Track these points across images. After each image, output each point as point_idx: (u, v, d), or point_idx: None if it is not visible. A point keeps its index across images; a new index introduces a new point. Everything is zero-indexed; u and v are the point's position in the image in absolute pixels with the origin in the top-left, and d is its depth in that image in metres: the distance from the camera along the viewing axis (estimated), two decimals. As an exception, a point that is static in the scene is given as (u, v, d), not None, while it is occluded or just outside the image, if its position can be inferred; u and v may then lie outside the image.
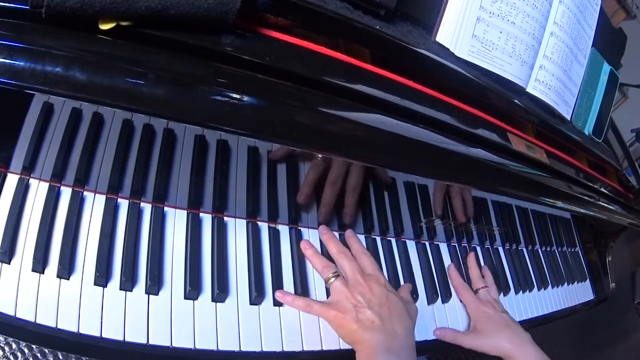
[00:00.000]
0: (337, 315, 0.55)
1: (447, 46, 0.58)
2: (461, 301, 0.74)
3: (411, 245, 0.73)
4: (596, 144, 0.84)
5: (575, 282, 1.04)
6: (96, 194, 0.52)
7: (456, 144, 0.55)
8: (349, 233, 0.66)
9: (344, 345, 0.57)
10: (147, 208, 0.54)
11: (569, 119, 0.76)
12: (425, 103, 0.54)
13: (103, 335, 0.45)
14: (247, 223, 0.59)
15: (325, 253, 0.63)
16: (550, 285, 0.94)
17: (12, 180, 0.48)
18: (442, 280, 0.73)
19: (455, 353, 1.28)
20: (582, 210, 0.77)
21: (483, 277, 0.78)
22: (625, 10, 0.93)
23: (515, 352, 0.68)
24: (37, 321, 0.43)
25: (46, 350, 0.74)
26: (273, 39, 0.45)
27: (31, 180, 0.49)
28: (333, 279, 0.58)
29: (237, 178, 0.55)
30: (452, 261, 0.77)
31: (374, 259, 0.63)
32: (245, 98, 0.41)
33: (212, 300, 0.53)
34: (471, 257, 0.79)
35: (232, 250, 0.57)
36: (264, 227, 0.60)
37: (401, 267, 0.70)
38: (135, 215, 0.52)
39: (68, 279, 0.47)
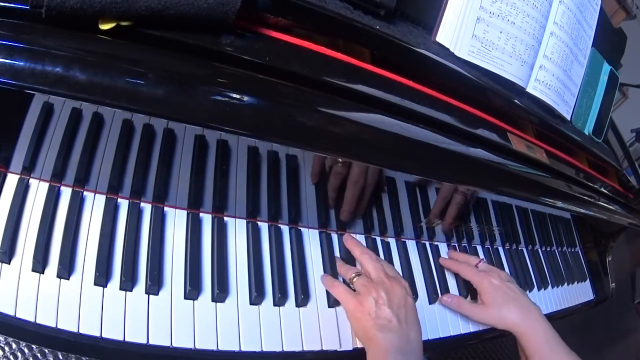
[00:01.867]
0: (357, 305, 0.55)
1: (447, 46, 0.58)
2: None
3: (411, 245, 0.73)
4: (596, 144, 0.84)
5: (575, 282, 1.04)
6: (96, 194, 0.52)
7: (456, 144, 0.55)
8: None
9: (344, 346, 0.57)
10: (147, 208, 0.54)
11: (569, 119, 0.76)
12: (425, 103, 0.54)
13: (103, 335, 0.45)
14: (247, 223, 0.59)
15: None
16: (550, 285, 0.94)
17: (12, 180, 0.48)
18: (442, 280, 0.73)
19: (455, 353, 1.28)
20: (582, 210, 0.77)
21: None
22: (625, 10, 0.93)
23: (524, 328, 0.65)
24: (37, 321, 0.43)
25: (46, 350, 0.74)
26: (273, 39, 0.45)
27: (31, 180, 0.49)
28: (356, 277, 0.59)
29: (237, 178, 0.55)
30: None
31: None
32: (245, 98, 0.41)
33: (212, 300, 0.52)
34: (443, 259, 0.76)
35: (232, 250, 0.57)
36: (264, 227, 0.60)
37: (401, 267, 0.70)
38: (135, 215, 0.52)
39: (68, 279, 0.46)
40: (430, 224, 0.73)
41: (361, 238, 0.68)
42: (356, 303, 0.56)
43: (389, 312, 0.55)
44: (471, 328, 0.71)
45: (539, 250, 0.98)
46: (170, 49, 0.39)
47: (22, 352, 0.73)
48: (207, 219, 0.57)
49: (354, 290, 0.59)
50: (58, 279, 0.46)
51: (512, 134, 0.65)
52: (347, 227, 0.67)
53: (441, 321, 0.70)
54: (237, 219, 0.59)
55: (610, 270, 1.08)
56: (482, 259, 0.75)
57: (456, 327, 0.70)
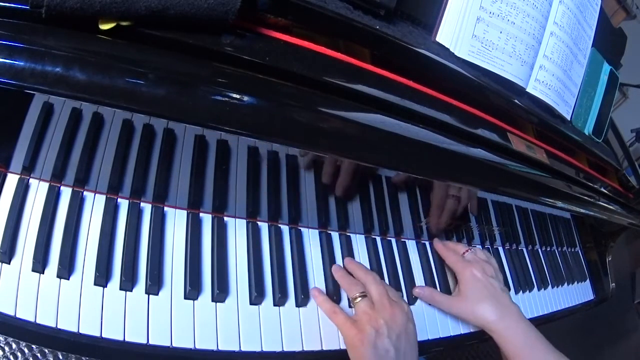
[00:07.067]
0: (356, 334, 0.54)
1: (447, 46, 0.58)
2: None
3: (411, 245, 0.73)
4: (596, 144, 0.84)
5: (575, 282, 1.04)
6: (96, 194, 0.52)
7: (456, 144, 0.55)
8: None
9: (344, 345, 0.57)
10: (147, 208, 0.54)
11: (569, 119, 0.76)
12: (425, 103, 0.54)
13: (103, 335, 0.45)
14: (247, 223, 0.59)
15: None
16: (550, 285, 0.94)
17: (12, 180, 0.48)
18: (442, 280, 0.73)
19: (456, 353, 1.28)
20: (582, 210, 0.77)
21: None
22: (625, 10, 0.93)
23: (499, 327, 0.62)
24: (37, 321, 0.43)
25: (46, 350, 0.74)
26: (273, 39, 0.45)
27: (31, 180, 0.49)
28: (360, 298, 0.58)
29: (237, 178, 0.55)
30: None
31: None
32: (245, 98, 0.41)
33: (212, 300, 0.53)
34: (437, 240, 0.75)
35: (232, 250, 0.57)
36: (264, 227, 0.60)
37: (401, 267, 0.70)
38: (135, 215, 0.52)
39: (68, 279, 0.46)
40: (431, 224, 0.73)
41: (361, 238, 0.68)
42: (356, 332, 0.54)
43: (387, 342, 0.54)
44: (471, 328, 0.71)
45: (539, 250, 0.98)
46: (170, 49, 0.39)
47: (22, 352, 0.73)
48: (207, 219, 0.57)
49: (353, 310, 0.58)
50: (58, 279, 0.46)
51: (512, 134, 0.65)
52: (347, 228, 0.67)
53: (441, 321, 0.70)
54: (237, 219, 0.59)
55: (610, 270, 1.09)
56: (470, 248, 0.72)
57: (456, 327, 0.71)
